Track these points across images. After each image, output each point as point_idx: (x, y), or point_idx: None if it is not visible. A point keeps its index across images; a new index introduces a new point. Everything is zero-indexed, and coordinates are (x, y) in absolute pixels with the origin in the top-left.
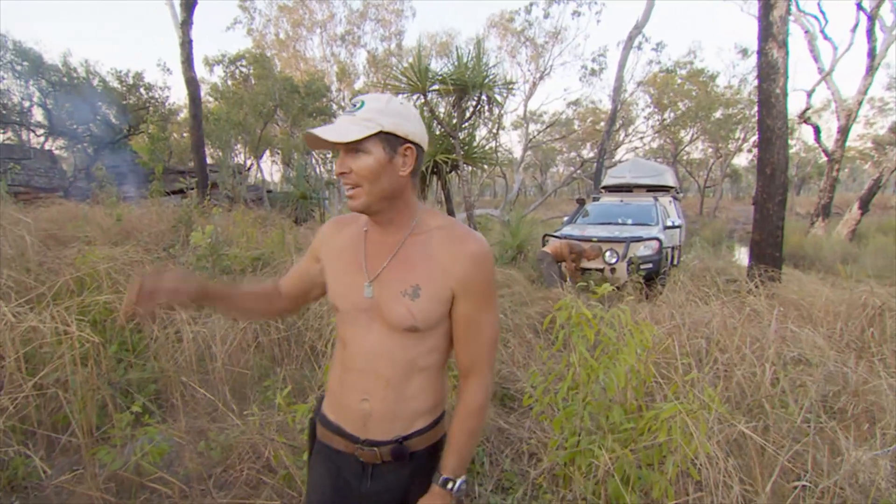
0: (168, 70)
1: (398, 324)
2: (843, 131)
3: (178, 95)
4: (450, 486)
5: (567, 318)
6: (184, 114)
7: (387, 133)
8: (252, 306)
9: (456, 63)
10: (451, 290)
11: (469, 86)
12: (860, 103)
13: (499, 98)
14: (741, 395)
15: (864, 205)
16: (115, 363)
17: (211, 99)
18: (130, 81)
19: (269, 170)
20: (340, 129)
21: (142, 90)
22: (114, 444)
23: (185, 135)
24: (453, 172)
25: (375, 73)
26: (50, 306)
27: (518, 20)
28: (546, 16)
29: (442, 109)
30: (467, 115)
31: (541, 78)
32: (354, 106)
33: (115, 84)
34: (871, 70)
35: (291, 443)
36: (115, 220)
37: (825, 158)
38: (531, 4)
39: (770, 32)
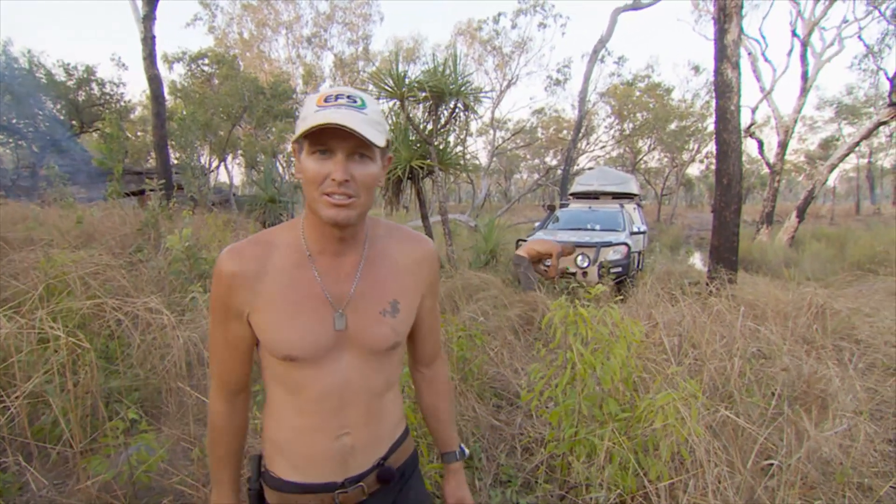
0: (123, 65)
1: (381, 346)
2: (783, 146)
3: (133, 92)
4: (460, 454)
5: (563, 316)
6: (139, 112)
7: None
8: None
9: (430, 69)
10: (421, 294)
11: (446, 93)
12: (796, 121)
13: (473, 105)
14: (713, 386)
15: (801, 213)
16: (97, 371)
17: (170, 97)
18: (80, 75)
19: (232, 172)
20: (366, 129)
21: (94, 86)
22: (106, 453)
23: (139, 134)
24: (427, 178)
25: (342, 77)
26: (39, 311)
27: (486, 29)
28: (513, 26)
29: (412, 115)
30: (442, 121)
31: (507, 86)
32: (354, 102)
33: (63, 77)
34: (804, 91)
35: None
36: (74, 223)
37: (767, 170)
38: (499, 14)
39: (725, 54)
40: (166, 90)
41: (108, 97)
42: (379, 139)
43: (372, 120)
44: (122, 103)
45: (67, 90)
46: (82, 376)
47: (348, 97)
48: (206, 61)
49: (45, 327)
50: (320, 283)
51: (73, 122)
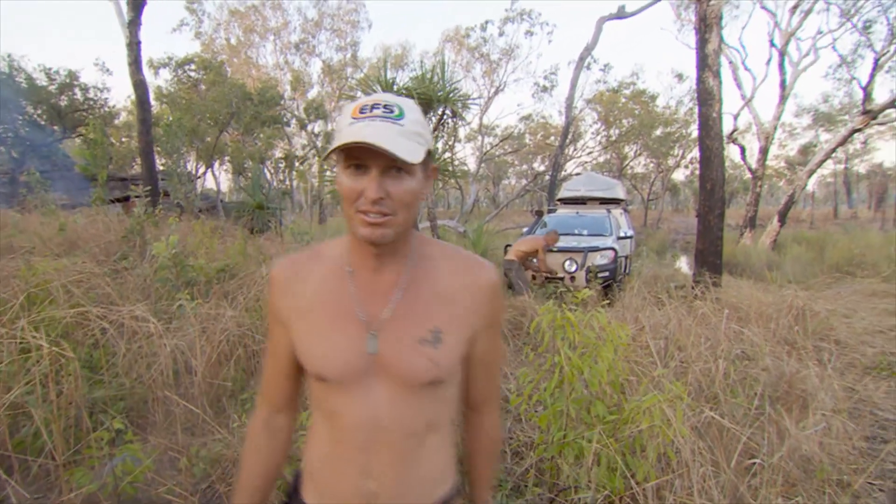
0: (107, 70)
1: (417, 379)
2: (764, 151)
3: (117, 98)
4: None
5: (551, 321)
6: (123, 117)
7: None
8: (275, 472)
9: (418, 76)
10: (473, 329)
11: (434, 99)
12: (775, 128)
13: (461, 112)
14: (698, 387)
15: (782, 218)
16: (81, 381)
17: (155, 103)
18: (62, 80)
19: (219, 178)
20: (400, 145)
21: (77, 91)
22: (90, 464)
23: (124, 140)
24: None
25: (330, 83)
26: (20, 320)
27: (473, 36)
28: (501, 34)
29: None
30: (430, 127)
31: (495, 93)
32: (390, 112)
33: (45, 82)
34: (782, 99)
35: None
36: (56, 230)
37: (749, 175)
38: (486, 22)
39: (706, 63)
40: (152, 96)
41: (91, 102)
42: (415, 153)
43: (409, 132)
44: (107, 108)
45: (49, 95)
46: (66, 386)
47: (384, 107)
48: (193, 67)
49: (28, 336)
50: (355, 300)
51: (55, 128)
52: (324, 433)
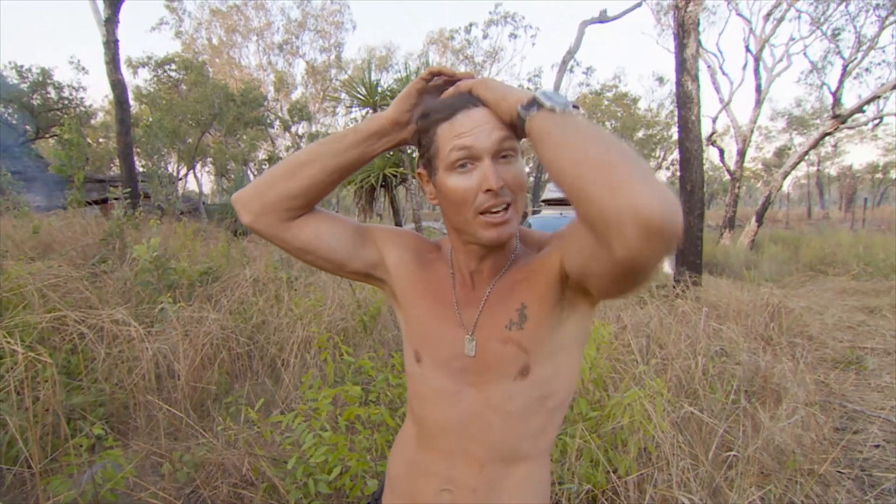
0: (83, 69)
1: (506, 373)
2: (741, 154)
3: (94, 97)
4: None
5: None
6: (101, 117)
7: None
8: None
9: (402, 77)
10: (562, 304)
11: None
12: (752, 131)
13: None
14: (678, 384)
15: (760, 218)
16: (59, 387)
17: (135, 103)
18: (35, 78)
19: (201, 180)
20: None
21: (50, 89)
22: (69, 472)
23: (101, 140)
24: (401, 186)
25: (314, 85)
26: None
27: (458, 39)
28: (485, 36)
29: None
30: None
31: None
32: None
33: (16, 80)
34: (758, 103)
35: (270, 454)
36: (30, 233)
37: (728, 177)
38: (471, 25)
39: (685, 67)
40: (131, 96)
41: (66, 101)
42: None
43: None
44: (82, 108)
45: (21, 93)
46: (42, 392)
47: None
48: (174, 67)
49: (1, 342)
50: (455, 303)
51: (27, 127)
52: (412, 438)
